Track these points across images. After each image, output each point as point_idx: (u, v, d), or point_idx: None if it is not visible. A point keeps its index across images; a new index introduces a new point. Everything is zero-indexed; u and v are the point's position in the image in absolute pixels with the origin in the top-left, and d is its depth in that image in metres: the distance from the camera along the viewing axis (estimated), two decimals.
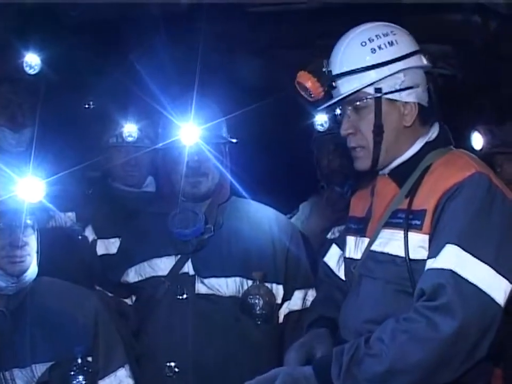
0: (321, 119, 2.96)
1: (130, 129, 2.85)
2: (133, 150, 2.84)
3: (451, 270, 1.55)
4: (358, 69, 1.73)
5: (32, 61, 2.38)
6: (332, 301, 1.94)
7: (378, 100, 1.73)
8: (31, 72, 2.39)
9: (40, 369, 1.83)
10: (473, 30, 3.15)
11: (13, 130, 2.39)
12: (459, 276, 1.54)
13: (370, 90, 1.73)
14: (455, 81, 3.36)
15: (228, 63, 3.34)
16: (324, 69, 1.77)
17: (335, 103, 1.79)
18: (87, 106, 3.11)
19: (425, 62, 1.79)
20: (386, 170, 1.81)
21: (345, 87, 1.75)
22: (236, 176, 2.32)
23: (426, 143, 1.78)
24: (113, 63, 3.06)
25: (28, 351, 1.83)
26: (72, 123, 3.01)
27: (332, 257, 2.02)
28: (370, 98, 1.73)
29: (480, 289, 1.54)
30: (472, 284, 1.54)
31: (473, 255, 1.56)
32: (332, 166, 3.00)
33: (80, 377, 1.78)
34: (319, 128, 2.99)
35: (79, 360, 1.80)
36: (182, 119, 2.22)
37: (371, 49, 1.73)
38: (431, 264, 1.60)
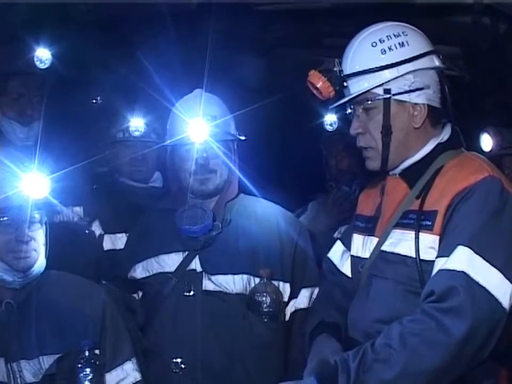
0: (330, 119, 2.98)
1: (137, 123, 2.86)
2: (139, 145, 2.85)
3: (463, 272, 1.56)
4: (367, 69, 1.74)
5: (42, 55, 2.38)
6: (332, 302, 1.95)
7: (387, 101, 1.74)
8: (42, 66, 2.38)
9: (47, 361, 1.83)
10: (481, 32, 3.14)
11: (22, 124, 2.39)
12: (471, 278, 1.55)
13: (379, 91, 1.75)
14: (462, 82, 3.36)
15: (236, 61, 3.34)
16: (335, 69, 1.78)
17: (344, 103, 1.80)
18: (94, 101, 3.12)
19: (437, 63, 1.79)
20: (397, 170, 1.82)
21: (355, 87, 1.76)
22: (244, 173, 2.32)
23: (439, 144, 1.79)
24: (122, 59, 3.06)
25: (35, 343, 1.83)
26: (80, 118, 3.01)
27: (336, 253, 2.03)
28: (379, 99, 1.74)
29: (490, 293, 1.55)
30: (482, 287, 1.55)
31: (484, 258, 1.57)
32: (340, 165, 3.02)
33: (87, 370, 1.78)
34: (328, 127, 3.01)
35: (86, 353, 1.80)
36: (190, 116, 2.22)
37: (381, 50, 1.74)
38: (442, 265, 1.60)
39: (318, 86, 1.77)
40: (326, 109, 2.93)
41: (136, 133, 2.85)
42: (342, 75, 1.77)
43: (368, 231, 1.87)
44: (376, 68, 1.73)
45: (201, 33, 2.98)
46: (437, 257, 1.63)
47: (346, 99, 1.78)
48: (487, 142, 3.03)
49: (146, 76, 2.92)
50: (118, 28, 3.01)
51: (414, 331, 1.55)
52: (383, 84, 1.74)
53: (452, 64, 3.18)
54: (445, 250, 1.61)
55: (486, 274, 1.56)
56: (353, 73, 1.76)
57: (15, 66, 2.38)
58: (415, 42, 1.77)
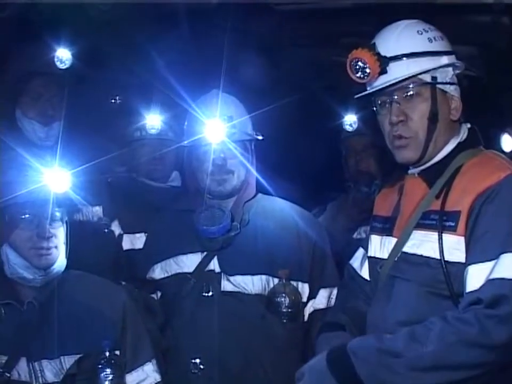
0: (350, 119, 2.96)
1: (153, 122, 2.86)
2: (156, 143, 2.87)
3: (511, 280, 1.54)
4: (418, 52, 1.73)
5: (63, 55, 2.39)
6: (344, 308, 1.95)
7: (433, 88, 1.73)
8: (62, 66, 2.40)
9: (68, 361, 1.84)
10: (501, 32, 3.12)
11: (42, 124, 2.40)
12: None
13: (427, 77, 1.73)
14: (482, 82, 3.33)
15: (254, 60, 3.34)
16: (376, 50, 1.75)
17: (388, 86, 1.74)
18: (113, 100, 3.13)
19: (460, 62, 1.80)
20: (417, 170, 1.81)
21: (400, 71, 1.73)
22: (261, 173, 2.31)
23: (459, 143, 1.78)
24: (140, 59, 3.07)
25: (56, 343, 1.84)
26: (99, 118, 3.03)
27: (357, 259, 2.02)
28: (426, 85, 1.73)
29: None
30: None
31: None
32: (359, 166, 3.00)
33: (108, 370, 1.79)
34: (348, 128, 3.00)
35: (107, 354, 1.81)
36: (207, 117, 2.22)
37: (428, 38, 1.75)
38: (486, 273, 1.57)
39: (368, 62, 1.73)
40: (347, 108, 2.92)
41: (153, 131, 2.86)
42: (386, 56, 1.73)
43: (386, 231, 1.85)
44: (427, 52, 1.72)
45: (219, 32, 2.98)
46: (471, 263, 1.60)
47: (394, 80, 1.73)
48: (507, 142, 3.01)
49: (164, 75, 2.92)
50: (136, 27, 3.02)
51: (455, 329, 1.54)
52: (430, 70, 1.73)
53: (471, 64, 3.16)
54: (481, 255, 1.59)
55: None
56: (401, 55, 1.73)
57: (35, 67, 2.39)
58: (447, 39, 1.79)
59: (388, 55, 1.74)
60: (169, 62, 3.01)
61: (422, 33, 1.75)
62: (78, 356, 1.85)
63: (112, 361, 1.80)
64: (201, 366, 2.11)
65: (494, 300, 1.54)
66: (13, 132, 2.39)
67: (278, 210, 2.29)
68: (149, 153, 2.88)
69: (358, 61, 1.75)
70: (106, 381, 1.79)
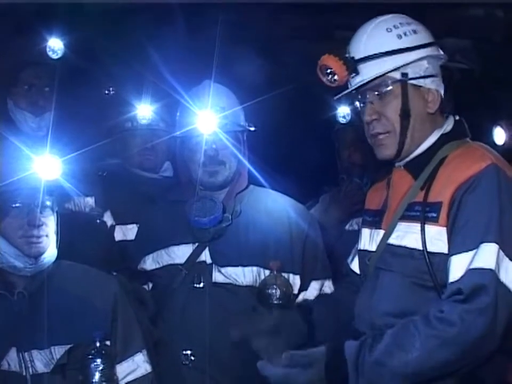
0: (343, 111, 2.96)
1: (144, 112, 2.86)
2: (148, 133, 2.86)
3: (491, 270, 1.55)
4: (385, 52, 1.74)
5: (55, 45, 2.38)
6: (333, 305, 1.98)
7: (404, 84, 1.74)
8: (54, 56, 2.39)
9: (59, 351, 1.84)
10: (494, 25, 3.13)
11: (34, 114, 2.39)
12: (497, 276, 1.55)
13: (397, 75, 1.75)
14: (473, 75, 3.34)
15: (247, 53, 3.33)
16: (346, 55, 1.78)
17: (360, 86, 1.77)
18: (107, 92, 3.12)
19: (441, 53, 1.81)
20: (402, 162, 1.82)
21: (370, 71, 1.75)
22: (253, 164, 2.31)
23: (442, 135, 1.79)
24: (132, 50, 3.06)
25: (46, 333, 1.84)
26: (92, 108, 3.02)
27: (351, 254, 2.03)
28: (396, 82, 1.74)
29: (510, 290, 1.56)
30: (504, 284, 1.56)
31: (505, 253, 1.57)
32: (352, 158, 3.00)
33: (98, 361, 1.78)
34: (341, 120, 2.99)
35: (98, 344, 1.80)
36: (199, 107, 2.21)
37: (397, 35, 1.76)
38: (467, 262, 1.58)
39: (333, 67, 1.76)
40: (335, 97, 2.92)
41: (144, 121, 2.86)
42: (355, 59, 1.76)
43: (375, 224, 1.87)
44: (394, 50, 1.74)
45: (211, 23, 2.97)
46: (453, 254, 1.61)
47: (363, 81, 1.75)
48: (500, 135, 3.01)
49: (156, 66, 2.91)
50: (128, 18, 3.01)
51: (435, 332, 1.56)
52: (400, 67, 1.74)
53: (463, 57, 3.16)
54: (462, 245, 1.60)
55: (507, 271, 1.56)
56: (369, 56, 1.75)
57: (28, 57, 2.39)
58: (423, 31, 1.80)
59: (357, 57, 1.76)
60: (161, 53, 3.00)
61: (391, 31, 1.76)
62: (69, 346, 1.84)
63: (103, 352, 1.79)
64: (192, 358, 2.12)
65: (474, 290, 1.55)
66: (4, 122, 2.38)
67: (270, 202, 2.29)
68: (140, 143, 2.87)
69: (326, 68, 1.78)
70: (96, 371, 1.78)
